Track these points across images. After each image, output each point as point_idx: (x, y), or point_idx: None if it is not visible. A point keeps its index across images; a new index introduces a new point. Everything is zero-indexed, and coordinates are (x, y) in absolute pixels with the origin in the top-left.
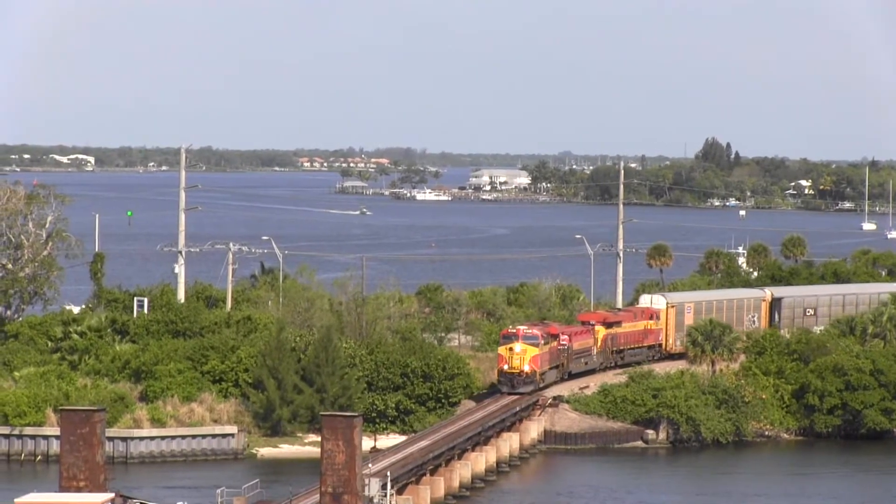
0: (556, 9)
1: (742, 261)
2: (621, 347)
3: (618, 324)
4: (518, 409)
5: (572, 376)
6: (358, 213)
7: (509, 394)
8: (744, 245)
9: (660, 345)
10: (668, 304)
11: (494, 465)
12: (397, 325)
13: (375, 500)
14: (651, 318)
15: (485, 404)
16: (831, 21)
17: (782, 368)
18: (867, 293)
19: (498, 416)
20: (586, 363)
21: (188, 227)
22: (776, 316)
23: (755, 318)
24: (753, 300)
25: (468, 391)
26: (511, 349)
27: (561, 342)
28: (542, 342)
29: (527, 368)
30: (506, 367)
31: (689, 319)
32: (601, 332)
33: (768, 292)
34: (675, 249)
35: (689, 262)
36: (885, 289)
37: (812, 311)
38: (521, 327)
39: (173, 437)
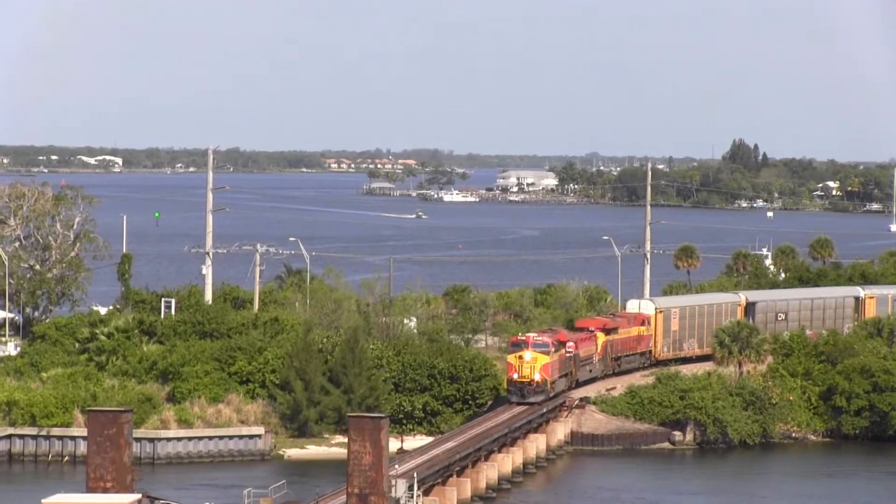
0: (584, 9)
1: (768, 262)
2: (619, 354)
3: (615, 330)
4: (545, 410)
5: (578, 385)
6: (414, 216)
7: (518, 403)
8: (768, 247)
9: (650, 351)
10: (656, 309)
11: (521, 466)
12: (424, 326)
13: (402, 502)
14: (643, 323)
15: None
16: (858, 22)
17: (809, 370)
18: (833, 297)
19: (524, 417)
20: (590, 371)
21: (216, 228)
22: (751, 320)
23: None
24: (730, 305)
25: (495, 392)
26: (521, 357)
27: (568, 349)
28: (553, 350)
29: (537, 377)
30: (515, 375)
31: (674, 325)
32: (601, 338)
33: (743, 297)
34: (702, 251)
35: (716, 264)
36: (849, 293)
37: (783, 316)
38: (531, 334)
39: (200, 438)
